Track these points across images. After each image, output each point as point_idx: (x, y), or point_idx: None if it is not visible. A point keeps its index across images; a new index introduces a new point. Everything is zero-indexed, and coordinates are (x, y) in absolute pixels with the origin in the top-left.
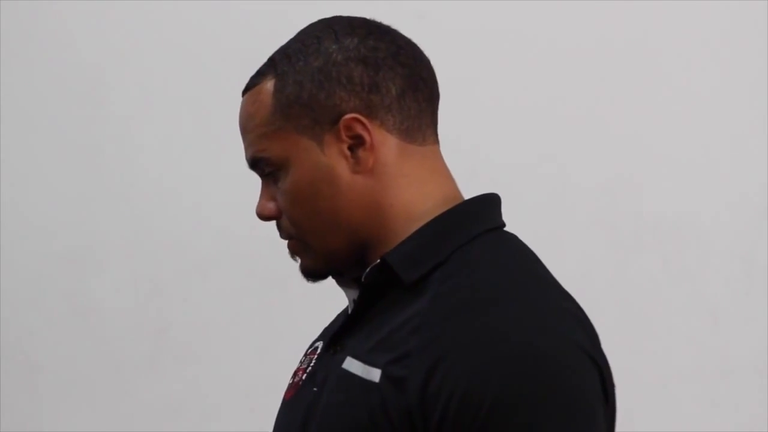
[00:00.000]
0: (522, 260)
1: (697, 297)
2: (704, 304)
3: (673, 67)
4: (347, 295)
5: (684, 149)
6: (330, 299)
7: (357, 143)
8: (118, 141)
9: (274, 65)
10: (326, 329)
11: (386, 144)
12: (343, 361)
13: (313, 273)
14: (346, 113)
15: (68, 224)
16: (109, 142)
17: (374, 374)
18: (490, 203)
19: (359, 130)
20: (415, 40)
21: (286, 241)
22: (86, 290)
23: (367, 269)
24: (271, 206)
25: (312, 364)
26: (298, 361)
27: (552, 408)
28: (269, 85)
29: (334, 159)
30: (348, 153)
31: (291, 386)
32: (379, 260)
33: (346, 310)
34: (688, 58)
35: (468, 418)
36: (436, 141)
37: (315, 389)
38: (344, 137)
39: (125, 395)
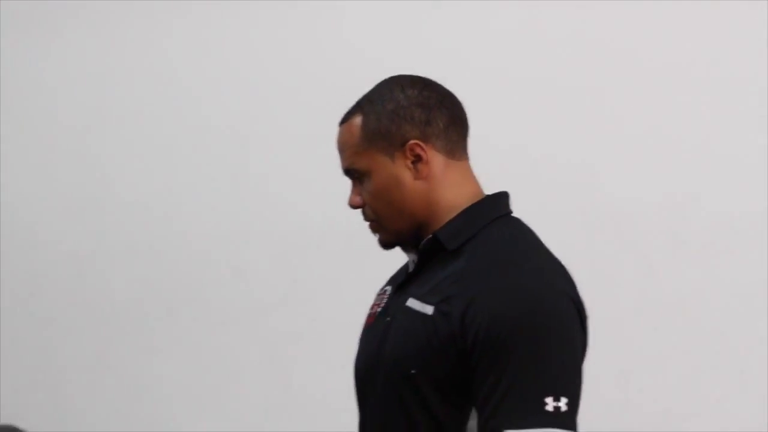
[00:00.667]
0: (525, 235)
1: None
2: None
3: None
4: (409, 258)
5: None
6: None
7: (417, 160)
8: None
9: (361, 107)
10: (392, 279)
11: (436, 160)
12: (406, 300)
13: (386, 244)
14: (410, 140)
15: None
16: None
17: (428, 309)
18: (502, 197)
19: (418, 151)
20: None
21: (368, 223)
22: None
23: (423, 241)
24: (358, 200)
25: (384, 303)
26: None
27: (547, 333)
28: (358, 120)
29: (401, 170)
30: (411, 166)
31: (369, 317)
32: (431, 235)
33: (407, 267)
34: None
35: (491, 340)
36: (467, 158)
37: (387, 319)
38: (408, 156)
39: None
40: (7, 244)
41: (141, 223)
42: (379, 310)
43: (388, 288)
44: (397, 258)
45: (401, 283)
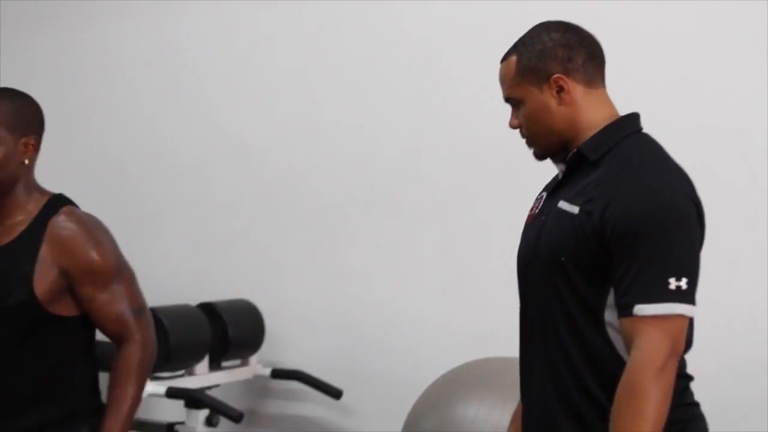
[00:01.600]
0: (653, 147)
1: None
2: None
3: None
4: (558, 168)
5: None
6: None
7: (560, 90)
8: None
9: (516, 48)
10: (546, 186)
11: (576, 90)
12: (558, 203)
13: (539, 157)
14: (555, 74)
15: None
16: None
17: (575, 209)
18: (634, 117)
19: (561, 83)
20: None
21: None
22: None
23: (570, 154)
24: (516, 122)
25: (540, 205)
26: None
27: (670, 227)
28: (513, 59)
29: (548, 99)
30: (555, 95)
31: (529, 217)
32: (576, 150)
33: (557, 176)
34: None
35: (625, 233)
36: (604, 86)
37: (543, 218)
38: (554, 87)
39: None
40: (244, 163)
41: (345, 142)
42: (536, 211)
43: (544, 194)
44: (549, 169)
45: (553, 189)
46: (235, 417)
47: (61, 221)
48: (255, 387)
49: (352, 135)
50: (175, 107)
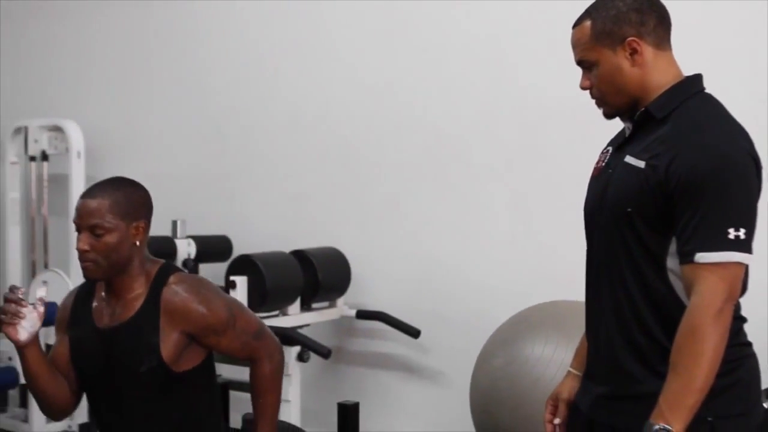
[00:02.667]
0: (715, 106)
1: None
2: None
3: None
4: (625, 126)
5: None
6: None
7: (634, 52)
8: None
9: (590, 13)
10: (611, 141)
11: (648, 52)
12: (624, 158)
13: (609, 116)
14: (628, 37)
15: None
16: None
17: (641, 164)
18: (698, 78)
19: (635, 45)
20: None
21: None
22: None
23: (637, 113)
24: (587, 83)
25: (606, 159)
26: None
27: (730, 182)
28: (588, 23)
29: (622, 61)
30: (629, 57)
31: (595, 170)
32: (643, 109)
33: (623, 132)
34: None
35: (688, 186)
36: (671, 49)
37: (610, 171)
38: (627, 49)
39: None
40: (332, 124)
41: (421, 104)
42: (603, 164)
43: (609, 148)
44: (611, 127)
45: (620, 145)
46: (324, 353)
47: (172, 290)
48: (341, 326)
49: (430, 98)
50: (268, 75)
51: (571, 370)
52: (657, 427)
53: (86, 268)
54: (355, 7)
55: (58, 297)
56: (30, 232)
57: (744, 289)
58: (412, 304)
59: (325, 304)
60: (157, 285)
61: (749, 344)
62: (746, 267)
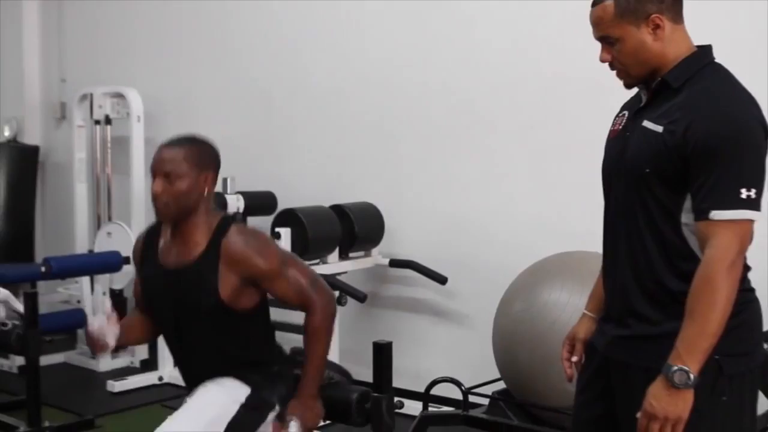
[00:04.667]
0: (726, 75)
1: None
2: None
3: None
4: (642, 94)
5: None
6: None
7: (656, 28)
8: None
9: None
10: (625, 106)
11: (667, 27)
12: (642, 122)
13: (629, 86)
14: (652, 14)
15: None
16: None
17: (659, 129)
18: (708, 49)
19: (657, 21)
20: None
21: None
22: None
23: (655, 82)
24: (608, 57)
25: (623, 123)
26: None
27: (741, 147)
28: (610, 2)
29: (645, 36)
30: (652, 32)
31: (611, 132)
32: (660, 78)
33: (638, 98)
34: None
35: (704, 150)
36: (684, 22)
37: (627, 134)
38: (650, 25)
39: None
40: (368, 89)
41: (450, 71)
42: (620, 128)
43: (625, 112)
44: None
45: (637, 111)
46: (361, 297)
47: (231, 239)
48: (375, 274)
49: (458, 65)
50: (312, 44)
51: (585, 312)
52: (675, 368)
53: (159, 210)
54: None
55: (121, 246)
56: (95, 189)
57: (750, 239)
58: (440, 253)
59: (361, 253)
60: (218, 234)
61: (753, 290)
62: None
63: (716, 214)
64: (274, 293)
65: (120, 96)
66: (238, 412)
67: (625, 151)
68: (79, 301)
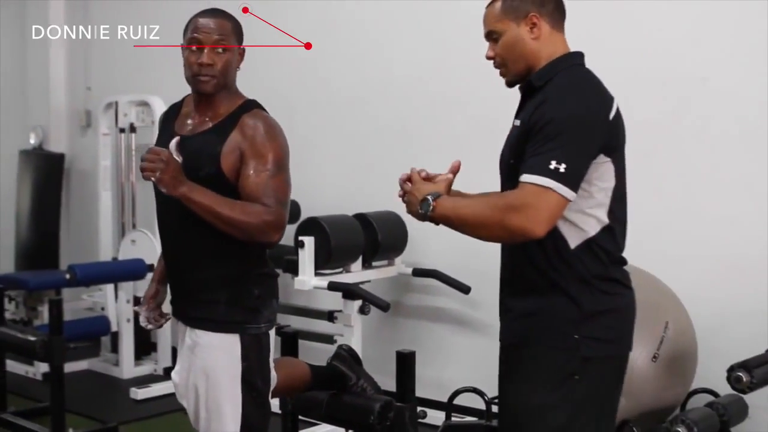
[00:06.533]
0: (584, 76)
1: None
2: None
3: None
4: (521, 92)
5: None
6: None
7: (533, 26)
8: None
9: None
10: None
11: (545, 29)
12: (515, 120)
13: (510, 84)
14: (530, 13)
15: None
16: None
17: (517, 123)
18: (578, 54)
19: (534, 20)
20: None
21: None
22: None
23: (523, 83)
24: (492, 53)
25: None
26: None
27: (567, 132)
28: (499, 3)
29: (524, 32)
30: (529, 30)
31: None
32: (527, 79)
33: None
34: None
35: (536, 130)
36: (564, 32)
37: (509, 134)
38: (529, 24)
39: None
40: (389, 99)
41: (469, 82)
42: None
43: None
44: None
45: (517, 110)
46: (384, 306)
47: (251, 117)
48: (399, 283)
49: (478, 76)
50: (332, 55)
51: None
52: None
53: (206, 82)
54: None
55: (145, 253)
56: (120, 197)
57: (620, 248)
58: (463, 263)
59: (384, 262)
60: (240, 111)
61: (629, 287)
62: (619, 230)
63: (525, 177)
64: (242, 174)
65: (145, 104)
66: (243, 366)
67: (503, 148)
68: (103, 309)
